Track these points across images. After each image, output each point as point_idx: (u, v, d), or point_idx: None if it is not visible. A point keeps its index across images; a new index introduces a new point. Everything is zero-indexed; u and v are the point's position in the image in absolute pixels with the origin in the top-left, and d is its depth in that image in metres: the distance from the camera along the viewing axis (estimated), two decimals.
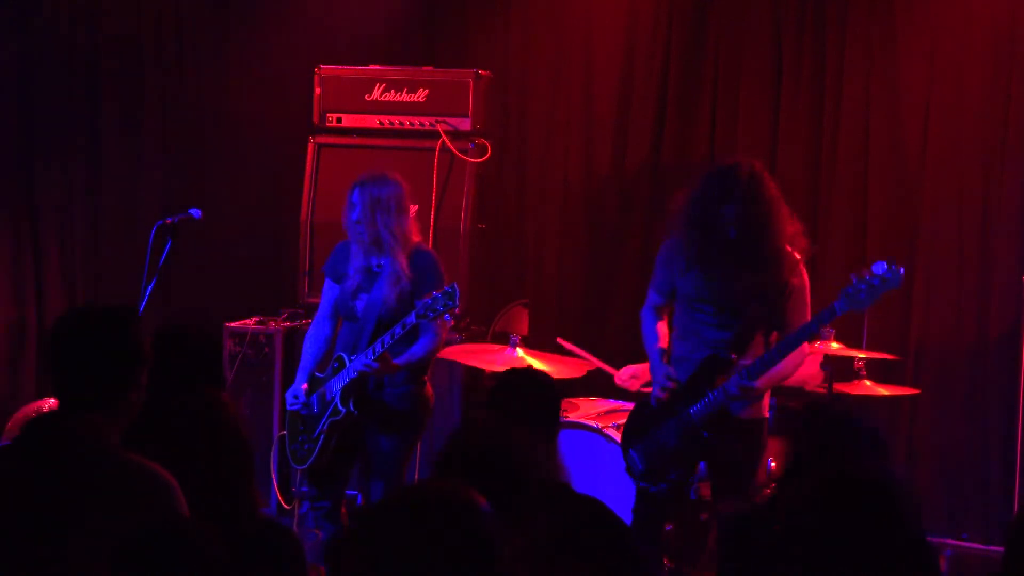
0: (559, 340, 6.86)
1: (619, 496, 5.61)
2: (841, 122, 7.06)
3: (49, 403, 5.67)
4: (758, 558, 3.03)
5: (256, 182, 7.86)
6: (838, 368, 6.13)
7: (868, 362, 6.25)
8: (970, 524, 6.89)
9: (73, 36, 7.82)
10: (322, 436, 5.59)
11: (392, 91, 7.05)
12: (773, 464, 6.17)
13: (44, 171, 7.85)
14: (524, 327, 7.21)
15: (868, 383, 6.29)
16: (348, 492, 6.00)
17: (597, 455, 6.08)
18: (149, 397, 3.34)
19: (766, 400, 5.30)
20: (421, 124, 6.97)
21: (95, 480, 3.08)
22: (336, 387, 5.54)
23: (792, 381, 6.45)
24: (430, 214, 6.85)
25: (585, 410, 6.42)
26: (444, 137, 6.85)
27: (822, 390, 6.16)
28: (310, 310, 6.29)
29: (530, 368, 4.80)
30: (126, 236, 7.69)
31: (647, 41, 7.40)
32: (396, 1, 7.81)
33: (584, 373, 6.54)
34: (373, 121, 7.06)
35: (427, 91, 7.00)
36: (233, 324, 7.03)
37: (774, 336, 5.17)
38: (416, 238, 5.64)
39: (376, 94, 7.07)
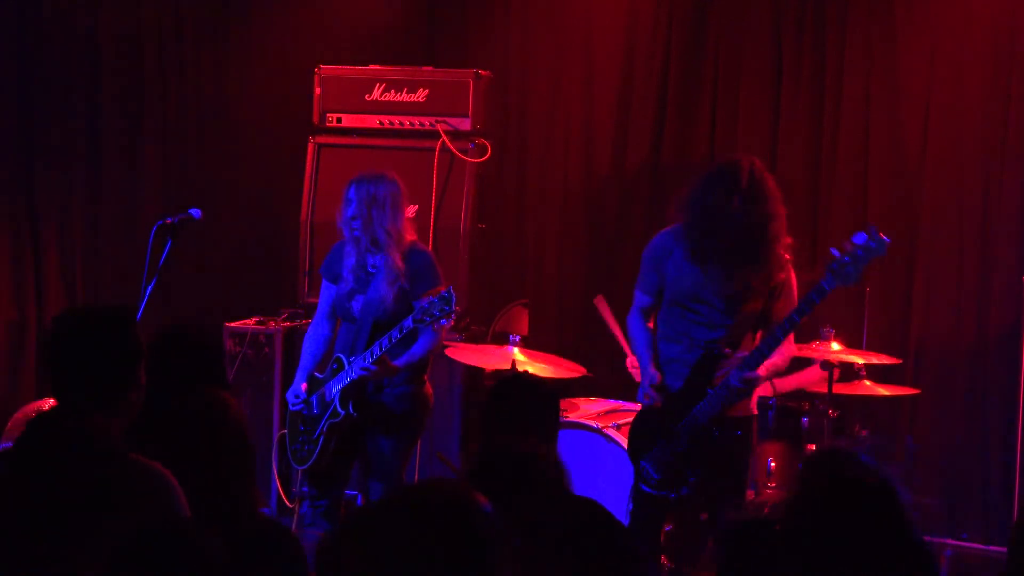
0: (597, 300, 6.81)
1: (619, 496, 5.62)
2: (841, 122, 7.06)
3: (49, 403, 5.68)
4: (759, 563, 3.03)
5: (256, 182, 7.86)
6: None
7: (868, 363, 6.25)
8: (970, 524, 6.89)
9: (73, 36, 7.82)
10: (322, 437, 5.59)
11: (392, 91, 7.05)
12: (773, 464, 6.17)
13: (44, 171, 7.85)
14: (524, 327, 7.21)
15: (868, 383, 6.29)
16: (348, 492, 6.01)
17: (597, 455, 6.08)
18: (149, 397, 3.35)
19: (754, 398, 5.29)
20: (421, 124, 6.97)
21: (99, 480, 3.08)
22: (335, 389, 5.54)
23: (793, 384, 6.47)
24: (430, 214, 6.86)
25: (585, 410, 6.42)
26: (444, 137, 6.85)
27: (822, 390, 6.17)
28: (310, 310, 6.29)
29: (525, 374, 4.78)
30: (126, 236, 7.69)
31: (647, 41, 7.40)
32: (396, 1, 7.82)
33: (583, 373, 6.54)
34: (373, 121, 7.06)
35: (427, 91, 7.00)
36: (233, 324, 7.04)
37: (760, 334, 5.17)
38: (411, 237, 5.63)
39: (376, 94, 7.08)
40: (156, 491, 3.08)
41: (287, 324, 7.04)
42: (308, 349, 5.81)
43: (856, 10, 7.03)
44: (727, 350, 5.12)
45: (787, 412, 6.29)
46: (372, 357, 5.39)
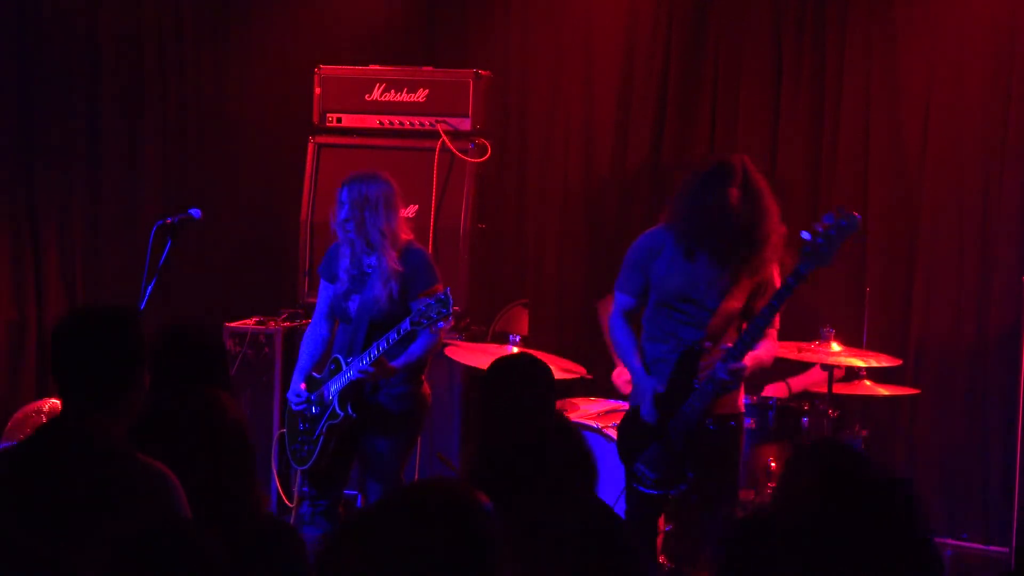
0: (601, 303, 6.82)
1: (618, 495, 5.61)
2: (841, 122, 7.06)
3: (49, 403, 5.69)
4: (759, 563, 3.02)
5: (256, 182, 7.86)
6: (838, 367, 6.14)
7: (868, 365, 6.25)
8: (970, 524, 6.89)
9: (73, 36, 7.82)
10: (321, 438, 5.58)
11: (392, 91, 7.05)
12: (773, 464, 6.17)
13: (44, 171, 7.85)
14: (524, 327, 7.21)
15: (868, 383, 6.29)
16: (348, 492, 6.00)
17: (597, 455, 6.06)
18: (149, 397, 3.35)
19: (741, 396, 5.29)
20: (421, 124, 6.97)
21: (100, 480, 3.08)
22: (334, 390, 5.54)
23: (804, 384, 6.47)
24: (430, 214, 6.86)
25: (585, 410, 6.42)
26: (444, 137, 6.85)
27: (823, 390, 6.17)
28: (310, 310, 6.29)
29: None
30: (126, 236, 7.69)
31: (647, 41, 7.40)
32: (396, 1, 7.82)
33: (582, 375, 6.54)
34: (373, 121, 7.06)
35: (427, 91, 7.00)
36: (233, 324, 7.04)
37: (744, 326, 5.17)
38: (406, 236, 5.63)
39: (376, 94, 7.08)
40: (157, 491, 3.08)
41: (287, 324, 7.04)
42: (306, 349, 5.81)
43: (856, 10, 7.03)
44: (707, 344, 5.12)
45: (787, 412, 6.28)
46: (370, 359, 5.39)
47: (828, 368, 6.06)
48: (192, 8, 7.92)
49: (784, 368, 6.29)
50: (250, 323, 7.06)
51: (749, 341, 5.00)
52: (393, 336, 5.34)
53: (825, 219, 4.81)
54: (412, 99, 7.02)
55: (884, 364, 6.15)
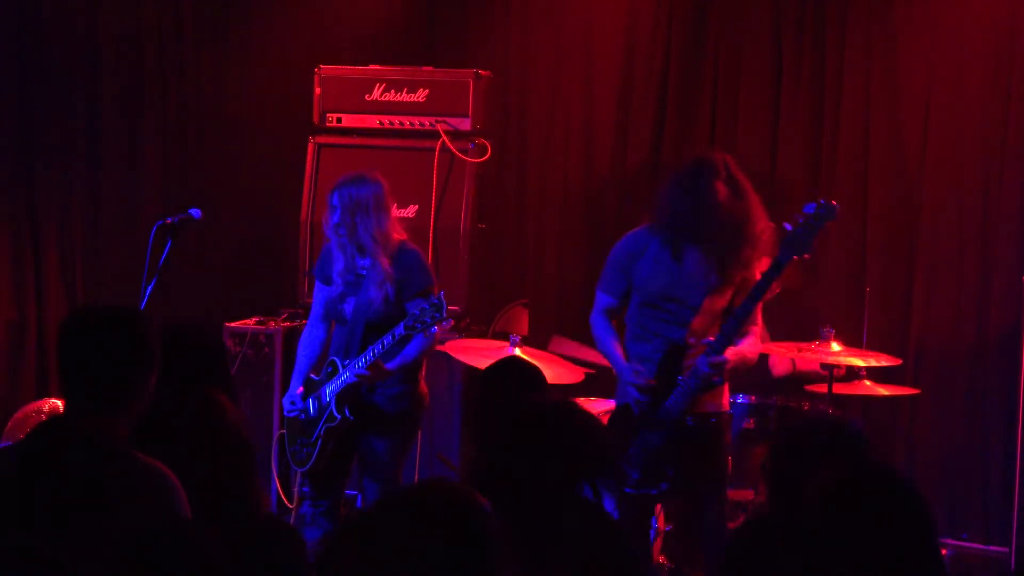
0: None
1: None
2: (841, 122, 7.06)
3: (49, 403, 5.68)
4: (759, 563, 3.02)
5: (256, 182, 7.85)
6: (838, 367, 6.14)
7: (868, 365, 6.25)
8: (970, 524, 6.89)
9: (73, 36, 7.82)
10: (320, 440, 5.58)
11: (392, 91, 7.05)
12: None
13: (44, 171, 7.85)
14: (524, 327, 7.21)
15: (868, 383, 6.29)
16: (348, 492, 6.00)
17: None
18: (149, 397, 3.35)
19: (726, 395, 5.29)
20: (421, 124, 6.97)
21: (100, 479, 3.08)
22: (331, 393, 5.54)
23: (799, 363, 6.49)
24: (430, 214, 6.86)
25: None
26: (444, 137, 6.85)
27: (822, 390, 6.16)
28: (309, 310, 6.29)
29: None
30: (126, 236, 7.69)
31: (647, 41, 7.40)
32: (396, 1, 7.82)
33: (582, 378, 6.53)
34: (373, 121, 7.06)
35: (427, 91, 7.00)
36: (233, 324, 7.04)
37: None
38: (399, 236, 5.62)
39: (376, 94, 7.07)
40: (157, 491, 3.08)
41: (287, 324, 7.04)
42: (303, 352, 5.81)
43: (856, 10, 7.03)
44: (691, 340, 5.13)
45: (787, 412, 6.28)
46: (365, 362, 5.40)
47: (828, 368, 6.06)
48: (192, 8, 7.91)
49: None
50: (250, 323, 7.06)
51: (730, 333, 5.02)
52: (388, 340, 5.34)
53: (806, 208, 4.88)
54: (412, 99, 7.01)
55: (884, 364, 6.14)
